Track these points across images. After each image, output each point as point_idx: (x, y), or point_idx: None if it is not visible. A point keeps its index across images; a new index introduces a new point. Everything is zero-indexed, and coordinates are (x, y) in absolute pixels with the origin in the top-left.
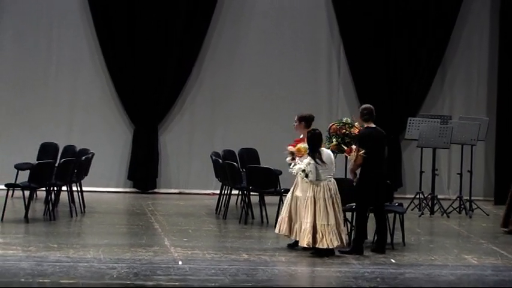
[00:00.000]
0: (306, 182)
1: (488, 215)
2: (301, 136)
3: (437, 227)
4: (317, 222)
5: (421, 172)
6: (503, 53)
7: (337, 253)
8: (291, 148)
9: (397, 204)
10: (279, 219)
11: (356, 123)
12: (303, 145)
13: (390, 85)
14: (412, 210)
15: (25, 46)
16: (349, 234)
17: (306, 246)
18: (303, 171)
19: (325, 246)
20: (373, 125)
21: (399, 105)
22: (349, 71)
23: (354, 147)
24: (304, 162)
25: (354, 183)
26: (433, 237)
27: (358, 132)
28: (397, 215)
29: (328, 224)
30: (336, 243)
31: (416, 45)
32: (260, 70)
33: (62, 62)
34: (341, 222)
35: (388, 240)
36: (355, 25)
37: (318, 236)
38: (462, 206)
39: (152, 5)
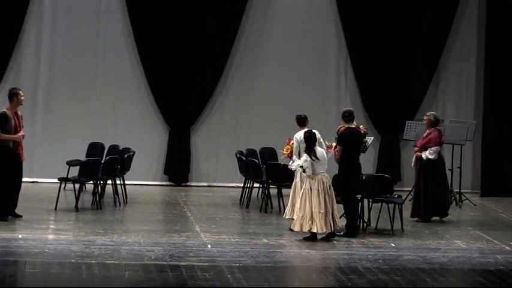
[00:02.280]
0: (304, 176)
1: (475, 205)
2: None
3: None
4: (313, 210)
5: None
6: (488, 65)
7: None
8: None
9: (396, 196)
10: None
11: (361, 126)
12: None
13: (391, 93)
14: (409, 201)
15: (75, 60)
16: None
17: (307, 230)
18: (301, 167)
19: (315, 231)
20: (353, 126)
21: (399, 110)
22: (355, 81)
23: (333, 144)
24: (301, 160)
25: None
26: (427, 224)
27: (341, 131)
28: (397, 205)
29: (319, 212)
30: (324, 229)
31: (414, 59)
32: (278, 80)
33: (107, 73)
34: (331, 211)
35: (389, 227)
36: (361, 40)
37: (312, 221)
38: (453, 198)
39: (186, 22)
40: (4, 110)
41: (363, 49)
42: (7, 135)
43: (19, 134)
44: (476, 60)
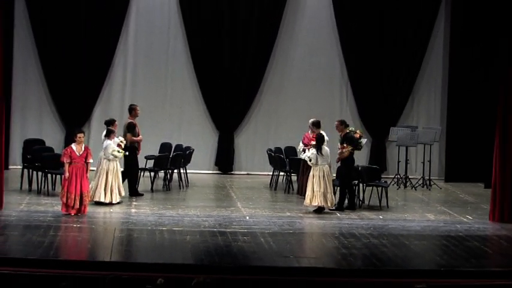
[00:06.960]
0: (310, 165)
1: (441, 188)
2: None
3: (409, 196)
4: (315, 189)
5: (398, 161)
6: (451, 86)
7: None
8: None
9: (383, 181)
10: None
11: (358, 130)
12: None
13: (379, 105)
14: (392, 185)
15: (151, 82)
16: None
17: (316, 204)
18: (308, 157)
19: (315, 204)
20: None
21: (385, 119)
22: (353, 97)
23: (344, 144)
24: (310, 152)
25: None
26: (406, 202)
27: (345, 135)
28: (383, 188)
29: (319, 191)
30: (323, 203)
31: (397, 81)
32: (297, 98)
33: (174, 93)
34: (329, 191)
35: (378, 203)
36: (358, 69)
37: (314, 198)
38: (424, 183)
39: (231, 60)
40: (130, 120)
41: (359, 76)
42: (135, 138)
43: (141, 137)
44: (442, 82)
